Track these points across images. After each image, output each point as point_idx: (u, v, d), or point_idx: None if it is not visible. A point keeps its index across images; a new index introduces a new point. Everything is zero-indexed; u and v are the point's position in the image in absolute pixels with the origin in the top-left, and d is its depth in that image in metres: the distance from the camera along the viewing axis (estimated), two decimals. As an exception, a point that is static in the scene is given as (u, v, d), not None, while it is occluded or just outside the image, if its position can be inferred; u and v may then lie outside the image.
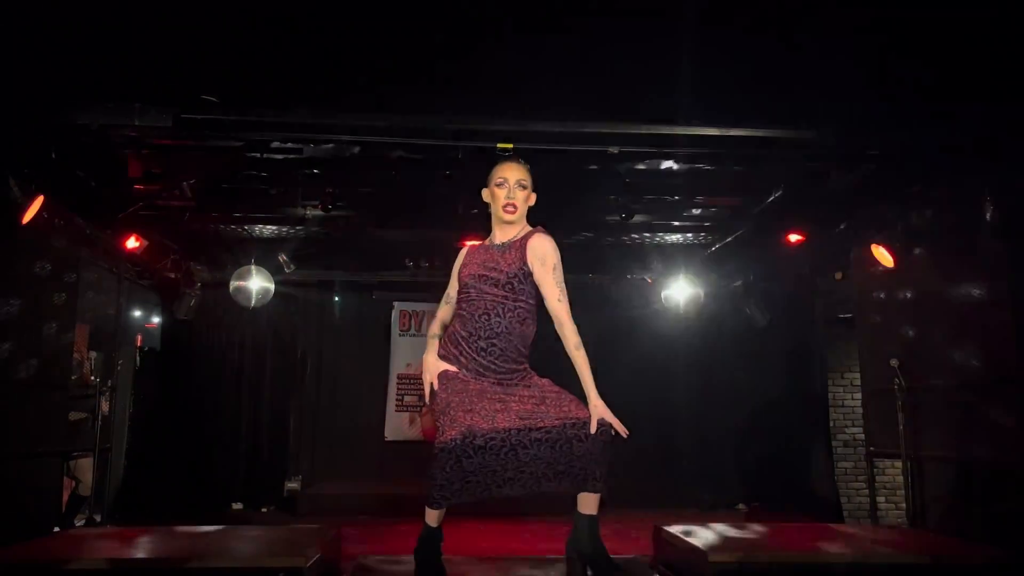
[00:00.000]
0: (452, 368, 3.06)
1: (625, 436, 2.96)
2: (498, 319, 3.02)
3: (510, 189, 3.11)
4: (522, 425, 2.93)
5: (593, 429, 2.93)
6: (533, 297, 3.09)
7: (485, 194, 3.20)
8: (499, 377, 3.03)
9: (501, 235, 3.17)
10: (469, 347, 3.03)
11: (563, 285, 3.06)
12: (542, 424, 2.94)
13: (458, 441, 2.89)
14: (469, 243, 3.33)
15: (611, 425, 2.97)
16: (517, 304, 3.04)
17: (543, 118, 4.34)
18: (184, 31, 3.78)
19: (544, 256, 3.05)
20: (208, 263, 7.38)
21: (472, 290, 3.08)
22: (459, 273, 3.19)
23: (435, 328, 3.26)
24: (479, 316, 3.03)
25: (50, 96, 4.25)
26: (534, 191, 3.19)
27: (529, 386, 3.07)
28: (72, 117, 4.31)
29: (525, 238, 3.10)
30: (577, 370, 3.02)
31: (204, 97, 4.29)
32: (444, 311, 3.30)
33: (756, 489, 7.72)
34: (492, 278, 3.04)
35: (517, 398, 3.02)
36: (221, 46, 3.92)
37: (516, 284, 3.04)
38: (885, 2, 3.62)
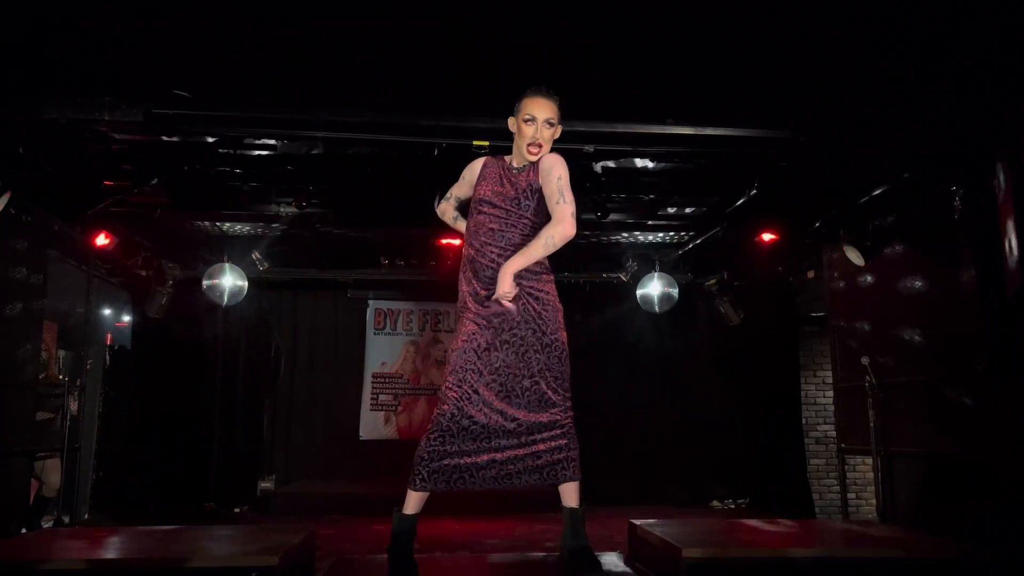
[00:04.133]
0: (466, 313, 3.13)
1: (509, 300, 3.02)
2: (501, 233, 3.11)
3: (538, 128, 3.11)
4: (498, 407, 3.04)
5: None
6: (539, 215, 3.14)
7: (511, 123, 3.21)
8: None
9: (519, 161, 3.21)
10: (480, 262, 3.12)
11: (566, 191, 3.06)
12: (512, 411, 3.05)
13: (446, 417, 3.02)
14: (484, 158, 3.34)
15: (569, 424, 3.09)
16: (522, 219, 3.12)
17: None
18: (155, 24, 3.73)
19: (550, 168, 3.10)
20: (180, 261, 7.29)
21: (484, 206, 3.17)
22: (475, 188, 3.26)
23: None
24: (485, 232, 3.14)
25: (18, 90, 4.18)
26: (559, 123, 3.21)
27: (525, 335, 3.09)
28: (40, 111, 4.24)
29: (540, 161, 3.15)
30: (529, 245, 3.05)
31: (176, 92, 4.24)
32: (443, 206, 3.51)
33: (729, 486, 7.78)
34: (502, 193, 3.15)
35: (505, 355, 3.08)
36: (193, 39, 3.87)
37: (523, 200, 3.12)
38: (858, 4, 3.66)
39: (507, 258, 3.07)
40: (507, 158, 3.28)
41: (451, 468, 3.01)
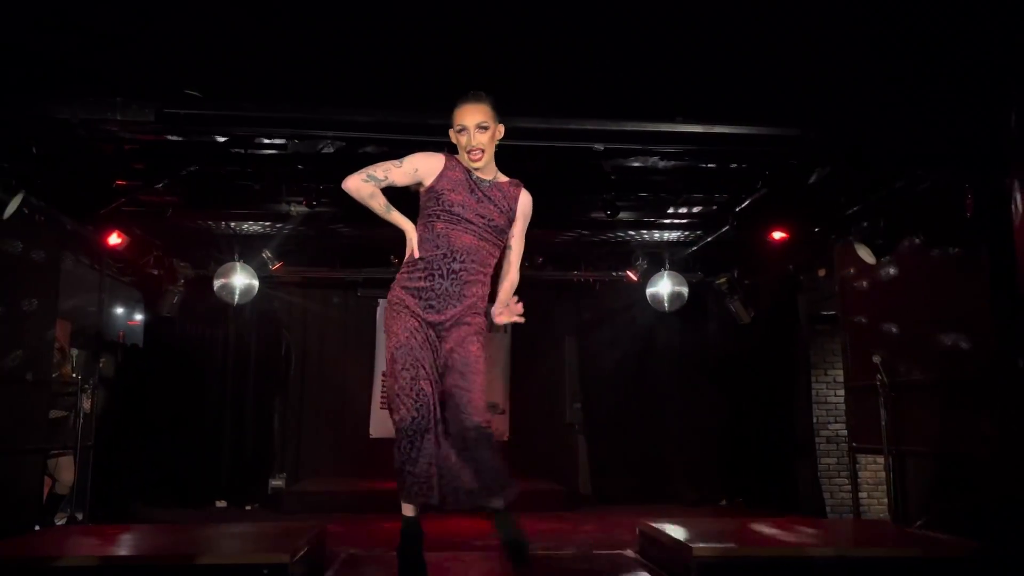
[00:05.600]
0: (404, 312, 3.04)
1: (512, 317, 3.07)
2: (478, 249, 3.07)
3: (471, 135, 3.08)
4: (439, 413, 2.96)
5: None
6: (504, 238, 3.20)
7: (452, 135, 3.16)
8: (455, 305, 3.03)
9: (480, 172, 3.14)
10: (443, 267, 3.03)
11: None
12: (448, 417, 2.97)
13: (407, 422, 2.91)
14: (443, 155, 3.18)
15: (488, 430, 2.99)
16: (493, 239, 3.12)
17: (528, 114, 4.33)
18: (167, 24, 3.75)
19: (527, 215, 3.22)
20: (191, 260, 7.33)
21: (457, 218, 3.06)
22: (437, 188, 3.10)
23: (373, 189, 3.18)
24: (464, 245, 3.04)
25: (30, 90, 4.21)
26: (500, 123, 3.15)
27: (461, 344, 3.04)
28: (53, 111, 4.26)
29: (514, 189, 3.17)
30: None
31: (187, 91, 4.26)
32: (370, 187, 3.17)
33: (739, 485, 7.76)
34: (476, 209, 3.08)
35: (446, 360, 3.02)
36: (204, 39, 3.88)
37: (503, 225, 3.13)
38: (868, 2, 3.64)
39: (482, 276, 3.10)
40: (463, 163, 3.16)
41: (431, 480, 2.91)
